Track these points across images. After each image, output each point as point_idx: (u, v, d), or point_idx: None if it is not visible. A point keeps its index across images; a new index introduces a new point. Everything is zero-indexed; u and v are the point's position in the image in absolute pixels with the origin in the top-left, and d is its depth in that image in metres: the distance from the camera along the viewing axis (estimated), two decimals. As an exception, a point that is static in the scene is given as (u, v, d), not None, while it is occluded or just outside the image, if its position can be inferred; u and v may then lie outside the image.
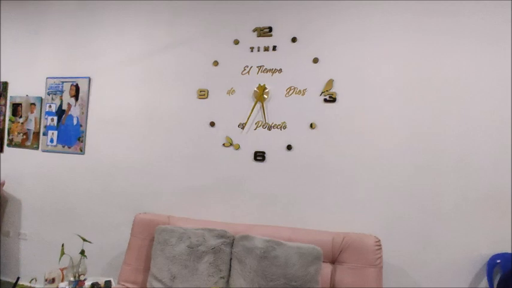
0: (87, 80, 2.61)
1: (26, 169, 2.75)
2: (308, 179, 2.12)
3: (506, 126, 1.86)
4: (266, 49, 2.22)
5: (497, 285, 1.78)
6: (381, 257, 1.77)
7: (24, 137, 2.78)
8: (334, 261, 1.82)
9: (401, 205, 1.98)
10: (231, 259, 1.84)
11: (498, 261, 1.82)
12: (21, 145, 2.78)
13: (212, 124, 2.30)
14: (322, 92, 2.11)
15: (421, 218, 1.95)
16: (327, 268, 1.79)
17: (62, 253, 2.06)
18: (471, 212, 1.88)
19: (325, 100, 2.10)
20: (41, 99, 2.74)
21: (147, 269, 1.99)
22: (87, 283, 2.04)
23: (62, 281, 2.12)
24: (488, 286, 1.81)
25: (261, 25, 2.23)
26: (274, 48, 2.20)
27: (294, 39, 2.17)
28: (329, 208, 2.08)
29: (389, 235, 1.96)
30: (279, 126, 2.18)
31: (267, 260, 1.72)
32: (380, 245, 1.80)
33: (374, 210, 2.01)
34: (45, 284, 2.08)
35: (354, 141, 2.06)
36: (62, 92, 2.68)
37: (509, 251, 1.83)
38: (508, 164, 1.84)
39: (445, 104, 1.93)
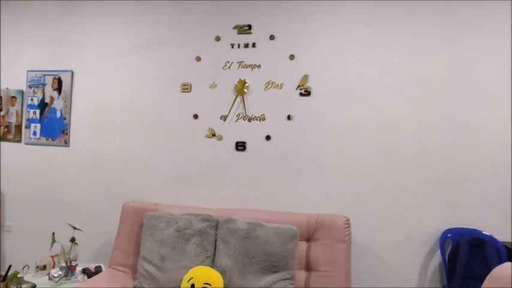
0: (70, 73, 2.65)
1: (8, 162, 2.77)
2: (285, 167, 2.31)
3: (453, 122, 2.12)
4: (246, 46, 2.36)
5: (448, 255, 2.06)
6: (349, 234, 2.00)
7: (6, 130, 2.79)
8: (309, 239, 2.03)
9: (367, 189, 2.21)
10: (216, 240, 2.01)
11: (449, 235, 2.09)
12: (2, 138, 2.79)
13: (195, 116, 2.43)
14: (298, 86, 2.29)
15: (384, 199, 2.19)
16: (302, 245, 2.00)
17: (53, 241, 2.16)
18: (426, 193, 2.15)
19: (301, 94, 2.29)
20: (22, 93, 2.76)
21: (136, 253, 2.11)
22: (78, 268, 2.16)
23: (53, 267, 2.22)
24: (441, 256, 2.08)
25: (241, 23, 2.37)
26: (253, 45, 2.35)
27: (271, 37, 2.33)
28: (304, 193, 2.28)
29: (357, 215, 2.19)
30: (258, 118, 2.34)
31: (249, 239, 1.90)
32: (349, 224, 2.03)
33: (344, 193, 2.23)
34: (37, 271, 2.17)
35: (326, 132, 2.26)
36: (44, 85, 2.71)
37: (458, 226, 2.11)
38: (456, 150, 2.11)
39: (405, 102, 2.17)
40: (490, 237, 2.01)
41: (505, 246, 1.97)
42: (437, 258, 2.14)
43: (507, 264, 1.21)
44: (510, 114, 2.06)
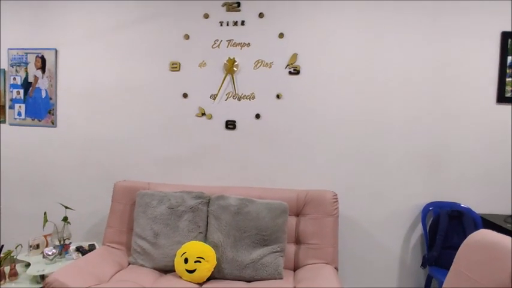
0: (54, 51, 2.58)
1: (-6, 143, 2.72)
2: (275, 145, 2.35)
3: (436, 104, 2.19)
4: (235, 24, 2.33)
5: (429, 227, 2.17)
6: (337, 208, 2.08)
7: (-11, 110, 2.72)
8: (298, 214, 2.10)
9: (355, 165, 2.28)
10: (208, 216, 2.06)
11: (430, 208, 2.20)
12: (-14, 119, 2.73)
13: (185, 95, 2.42)
14: (287, 65, 2.30)
15: (371, 176, 2.27)
16: (292, 220, 2.08)
17: (45, 220, 2.17)
18: (410, 169, 2.24)
19: (290, 72, 2.30)
20: (4, 72, 2.67)
21: (130, 231, 2.15)
22: (72, 247, 2.19)
23: (46, 246, 2.24)
24: (422, 228, 2.20)
25: (230, 0, 2.33)
26: (242, 23, 2.33)
27: (261, 15, 2.30)
28: (294, 170, 2.34)
29: (344, 190, 2.27)
30: (248, 97, 2.36)
31: (240, 215, 1.96)
32: (337, 199, 2.10)
33: (332, 170, 2.30)
34: (30, 250, 2.19)
35: (315, 111, 2.30)
36: (26, 63, 2.63)
37: (439, 200, 2.22)
38: (439, 130, 2.19)
39: (392, 83, 2.22)
40: (468, 209, 2.13)
41: (481, 218, 2.10)
42: (419, 230, 2.25)
43: (481, 230, 1.30)
44: (491, 98, 2.14)
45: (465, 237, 2.02)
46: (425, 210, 2.20)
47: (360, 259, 2.30)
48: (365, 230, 2.29)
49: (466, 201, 2.18)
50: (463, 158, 2.19)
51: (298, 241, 2.06)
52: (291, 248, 2.04)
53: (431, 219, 2.18)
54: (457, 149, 2.19)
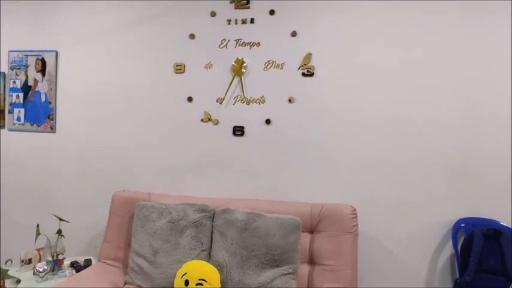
0: (54, 53, 2.47)
1: (-8, 149, 2.62)
2: (287, 153, 2.16)
3: (467, 107, 1.96)
4: (244, 22, 2.18)
5: (461, 247, 1.93)
6: (356, 225, 1.87)
7: (-12, 115, 2.62)
8: (312, 230, 1.90)
9: (376, 177, 2.07)
10: (212, 232, 1.88)
11: (462, 225, 1.96)
12: (-16, 124, 2.62)
13: (190, 99, 2.27)
14: (301, 66, 2.13)
15: (393, 188, 2.05)
16: (306, 237, 1.87)
17: (38, 233, 2.03)
18: (438, 181, 2.00)
19: (304, 74, 2.12)
20: (4, 75, 2.57)
21: (128, 246, 1.99)
22: (66, 262, 2.03)
23: (39, 261, 2.10)
24: (452, 248, 1.96)
25: (238, -4, 2.18)
26: (252, 20, 2.17)
27: (272, 12, 2.14)
28: (307, 181, 2.14)
29: (364, 204, 2.06)
30: (257, 101, 2.19)
31: (248, 231, 1.77)
32: (356, 214, 1.89)
33: (350, 181, 2.09)
34: (22, 265, 2.04)
35: (331, 116, 2.11)
36: (26, 66, 2.53)
37: (472, 216, 1.98)
38: (469, 139, 1.96)
39: (416, 85, 2.01)
40: (507, 228, 1.88)
41: (523, 237, 1.85)
42: (448, 250, 2.01)
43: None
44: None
45: (503, 260, 1.81)
46: (456, 228, 1.96)
47: (381, 282, 2.07)
48: (387, 249, 2.06)
49: (502, 217, 1.93)
50: (499, 169, 1.94)
51: (312, 261, 1.85)
52: (304, 269, 1.83)
53: (463, 237, 1.94)
54: (491, 158, 1.95)
